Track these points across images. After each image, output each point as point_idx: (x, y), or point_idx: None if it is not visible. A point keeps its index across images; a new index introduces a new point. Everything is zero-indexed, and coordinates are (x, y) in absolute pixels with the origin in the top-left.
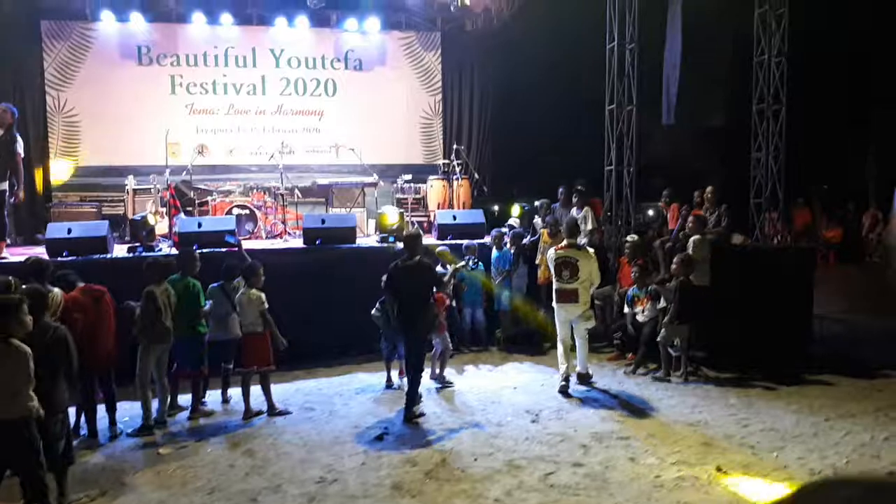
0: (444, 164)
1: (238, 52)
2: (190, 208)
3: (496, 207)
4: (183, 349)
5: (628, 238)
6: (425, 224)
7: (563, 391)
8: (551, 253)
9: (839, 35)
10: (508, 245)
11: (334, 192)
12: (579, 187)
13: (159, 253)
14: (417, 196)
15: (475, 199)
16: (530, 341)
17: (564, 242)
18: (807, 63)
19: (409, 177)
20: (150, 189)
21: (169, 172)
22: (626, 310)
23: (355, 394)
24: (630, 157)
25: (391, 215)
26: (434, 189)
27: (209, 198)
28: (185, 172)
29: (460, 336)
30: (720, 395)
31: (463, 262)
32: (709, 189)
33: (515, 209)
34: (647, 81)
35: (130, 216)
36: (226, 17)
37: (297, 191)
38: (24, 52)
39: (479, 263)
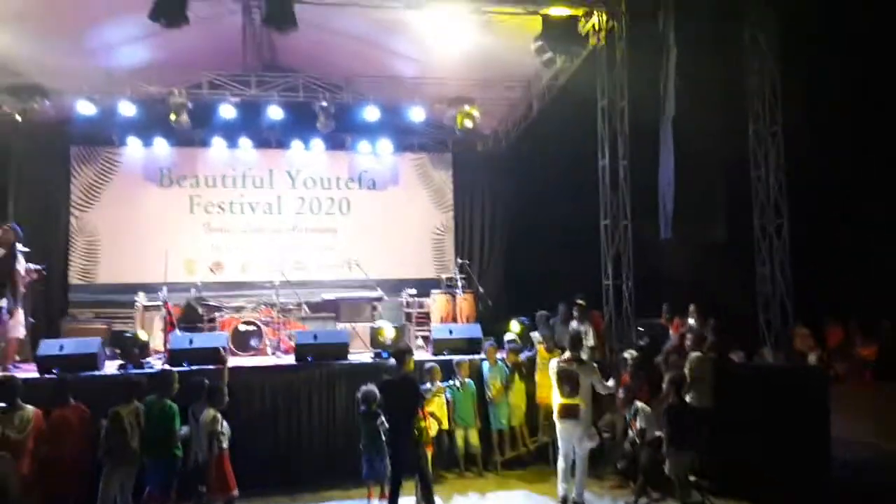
0: (446, 278)
1: (255, 174)
2: (200, 325)
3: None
4: (154, 473)
5: (626, 354)
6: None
7: None
8: (553, 364)
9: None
10: (506, 359)
11: (341, 308)
12: (579, 301)
13: (149, 370)
14: (422, 310)
15: (480, 314)
16: (529, 465)
17: (566, 355)
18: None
19: (413, 291)
20: (159, 305)
21: (167, 290)
22: (629, 433)
23: None
24: (628, 272)
25: (387, 330)
26: (437, 303)
27: (217, 314)
28: (193, 290)
29: (453, 460)
30: None
31: (446, 384)
32: (692, 307)
33: (514, 325)
34: (647, 194)
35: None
36: (244, 142)
37: (304, 306)
38: (54, 176)
39: (470, 381)
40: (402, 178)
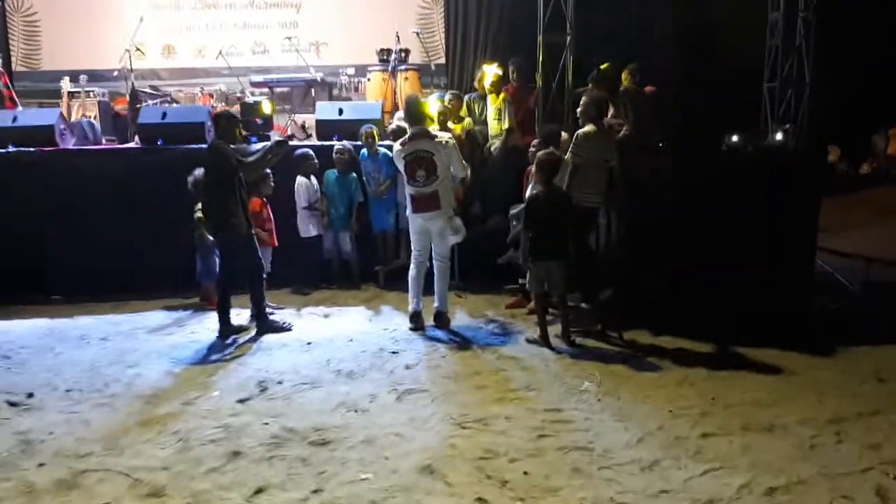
0: (381, 50)
1: None
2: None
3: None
4: None
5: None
6: None
7: (419, 330)
8: (397, 149)
9: None
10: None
11: (275, 92)
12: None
13: None
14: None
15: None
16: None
17: (409, 132)
18: None
19: (351, 71)
20: (79, 92)
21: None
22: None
23: (100, 338)
24: (571, 24)
25: (265, 106)
26: (373, 83)
27: (150, 101)
28: (115, 73)
29: (323, 269)
30: (602, 370)
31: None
32: (631, 67)
33: (433, 103)
34: None
35: None
36: None
37: (247, 93)
38: None
39: (353, 175)
40: None
